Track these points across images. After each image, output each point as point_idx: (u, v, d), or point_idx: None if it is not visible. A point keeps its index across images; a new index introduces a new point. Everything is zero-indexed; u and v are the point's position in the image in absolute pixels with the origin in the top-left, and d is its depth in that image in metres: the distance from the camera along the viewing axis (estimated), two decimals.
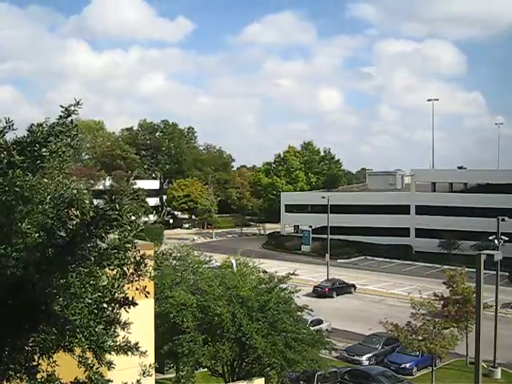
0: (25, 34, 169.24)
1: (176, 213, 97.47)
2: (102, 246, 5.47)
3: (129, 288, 6.08)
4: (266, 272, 31.05)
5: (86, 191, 5.59)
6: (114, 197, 5.31)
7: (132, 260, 5.94)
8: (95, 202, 5.66)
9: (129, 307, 6.10)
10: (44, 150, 5.47)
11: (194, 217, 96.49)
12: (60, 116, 5.63)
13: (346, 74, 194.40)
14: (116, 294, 5.95)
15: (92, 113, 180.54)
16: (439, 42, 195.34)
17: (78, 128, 5.78)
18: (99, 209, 5.26)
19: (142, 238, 6.30)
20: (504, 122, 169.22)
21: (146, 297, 6.01)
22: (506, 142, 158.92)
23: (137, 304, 6.13)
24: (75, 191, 5.62)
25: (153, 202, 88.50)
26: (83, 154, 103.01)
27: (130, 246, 5.67)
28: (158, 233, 66.00)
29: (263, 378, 21.21)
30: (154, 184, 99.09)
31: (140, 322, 7.66)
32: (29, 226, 5.32)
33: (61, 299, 5.38)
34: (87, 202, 5.43)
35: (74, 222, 5.36)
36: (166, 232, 78.42)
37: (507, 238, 33.82)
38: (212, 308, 20.70)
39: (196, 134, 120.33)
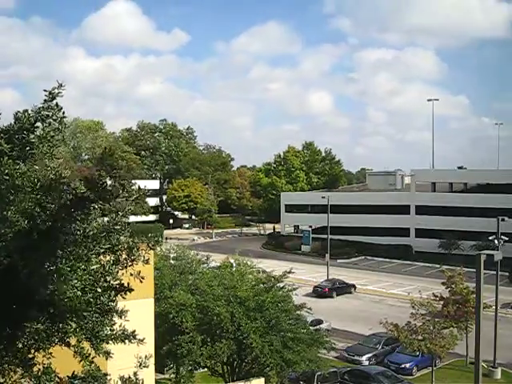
0: (28, 44, 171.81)
1: (176, 213, 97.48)
2: (91, 229, 5.43)
3: (123, 275, 6.04)
4: (265, 272, 31.05)
5: (65, 174, 5.49)
6: (90, 176, 5.25)
7: (125, 245, 5.88)
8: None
9: (125, 293, 6.05)
10: (32, 136, 5.42)
11: (193, 217, 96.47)
12: (45, 100, 5.56)
13: (334, 79, 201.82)
14: (111, 281, 5.90)
15: (92, 114, 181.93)
16: (418, 50, 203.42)
17: (64, 111, 5.69)
18: (77, 190, 5.22)
19: (140, 237, 6.26)
20: (489, 122, 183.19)
21: (141, 282, 5.93)
22: (494, 142, 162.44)
23: (132, 290, 6.08)
24: (53, 175, 5.55)
25: (153, 202, 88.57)
26: (83, 155, 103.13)
27: (119, 228, 5.61)
28: (157, 233, 66.05)
29: (263, 378, 21.19)
30: (154, 184, 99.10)
31: (140, 322, 7.65)
32: (16, 215, 5.28)
33: (50, 285, 5.34)
34: (65, 184, 5.36)
35: (53, 206, 5.31)
36: (166, 232, 78.49)
37: (507, 238, 33.80)
38: (211, 308, 20.70)
39: (195, 134, 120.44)
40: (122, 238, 5.76)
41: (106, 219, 5.76)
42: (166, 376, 25.39)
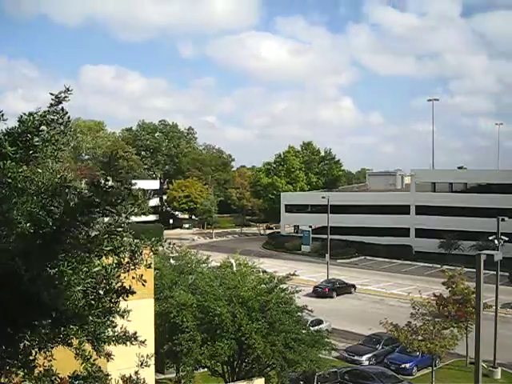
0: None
1: (176, 213, 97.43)
2: (93, 232, 5.41)
3: (125, 278, 6.03)
4: (265, 272, 31.05)
5: (71, 178, 5.49)
6: (95, 181, 5.23)
7: (128, 248, 5.87)
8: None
9: (127, 296, 6.04)
10: (36, 139, 5.38)
11: (194, 217, 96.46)
12: (51, 104, 5.55)
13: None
14: (113, 284, 5.90)
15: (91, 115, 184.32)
16: None
17: (69, 115, 5.68)
18: (82, 195, 5.21)
19: (141, 239, 6.25)
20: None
21: (143, 285, 5.92)
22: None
23: (134, 292, 6.06)
24: (59, 179, 5.54)
25: (153, 202, 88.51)
26: (83, 155, 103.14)
27: (121, 230, 5.59)
28: (157, 233, 66.04)
29: (263, 378, 21.19)
30: (154, 184, 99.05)
31: (140, 322, 7.66)
32: (18, 217, 5.27)
33: (52, 289, 5.32)
34: (71, 188, 5.35)
35: (59, 210, 5.29)
36: (166, 232, 78.44)
37: (507, 238, 33.76)
38: (212, 308, 20.69)
39: (196, 135, 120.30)
40: (124, 239, 5.74)
41: (106, 219, 5.75)
42: (166, 376, 25.41)
